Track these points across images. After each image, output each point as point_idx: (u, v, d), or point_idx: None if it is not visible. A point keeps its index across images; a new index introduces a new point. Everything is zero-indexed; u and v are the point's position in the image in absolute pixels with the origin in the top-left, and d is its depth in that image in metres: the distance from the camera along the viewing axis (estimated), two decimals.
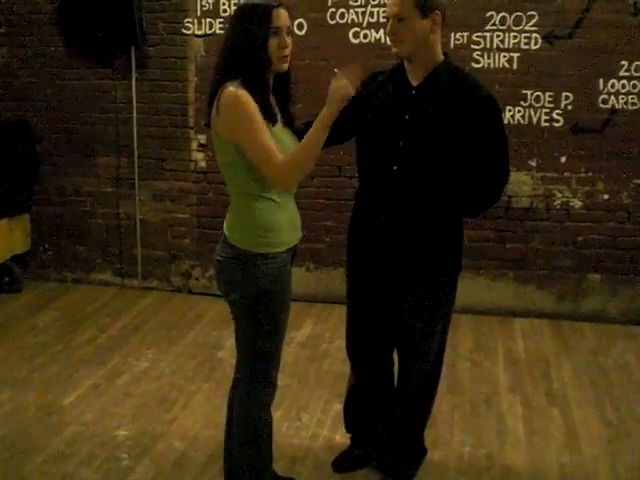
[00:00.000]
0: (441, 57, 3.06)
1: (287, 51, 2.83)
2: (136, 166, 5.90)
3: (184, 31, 5.62)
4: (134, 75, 5.73)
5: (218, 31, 5.52)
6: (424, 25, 2.94)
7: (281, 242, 2.93)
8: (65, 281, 6.24)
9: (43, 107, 6.00)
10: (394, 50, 3.03)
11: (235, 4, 5.44)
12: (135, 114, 5.80)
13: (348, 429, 3.71)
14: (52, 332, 5.19)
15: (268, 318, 2.96)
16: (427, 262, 3.15)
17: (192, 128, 5.79)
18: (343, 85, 2.78)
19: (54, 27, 5.78)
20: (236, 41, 2.79)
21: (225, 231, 2.98)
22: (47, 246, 6.25)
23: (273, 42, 2.78)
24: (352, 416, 3.67)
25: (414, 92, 3.06)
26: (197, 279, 6.02)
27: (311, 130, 2.80)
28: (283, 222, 2.93)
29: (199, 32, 5.60)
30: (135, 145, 5.86)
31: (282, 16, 2.81)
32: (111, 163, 5.99)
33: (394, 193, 3.07)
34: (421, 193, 3.05)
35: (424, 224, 3.10)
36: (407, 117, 3.04)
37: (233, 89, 2.74)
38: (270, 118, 2.81)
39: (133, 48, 5.64)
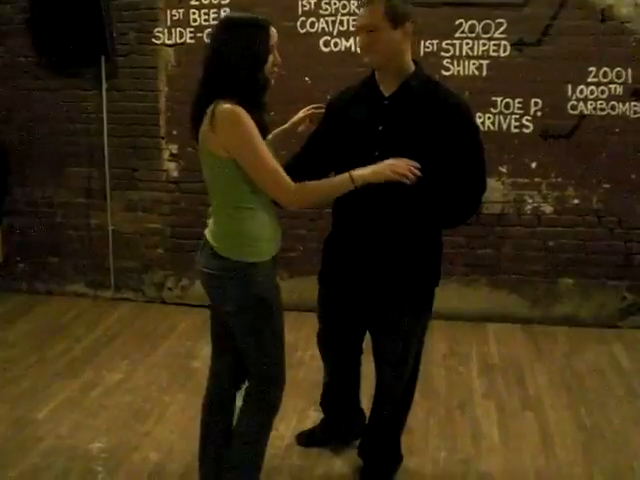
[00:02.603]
0: (412, 66, 3.07)
1: (277, 68, 2.86)
2: (107, 177, 5.87)
3: (154, 41, 5.60)
4: (104, 85, 5.70)
5: (188, 40, 5.52)
6: (395, 36, 2.95)
7: (268, 251, 2.97)
8: (37, 293, 6.19)
9: (13, 118, 5.95)
10: (366, 59, 3.03)
11: (205, 14, 5.45)
12: (106, 124, 5.77)
13: (323, 409, 3.88)
14: (25, 345, 5.14)
15: (268, 323, 2.99)
16: (407, 275, 3.17)
17: (163, 138, 5.77)
18: (398, 165, 2.83)
19: (23, 38, 5.72)
20: (236, 59, 2.75)
21: (212, 243, 2.95)
22: (19, 258, 6.19)
23: (270, 60, 2.80)
24: (326, 400, 3.84)
25: (386, 102, 3.06)
26: (170, 289, 6.00)
27: (339, 178, 2.88)
28: (270, 231, 2.96)
29: (169, 42, 5.59)
30: (106, 156, 5.83)
31: (275, 33, 2.82)
32: (82, 174, 5.95)
33: (373, 206, 3.08)
34: (399, 205, 3.05)
35: (404, 237, 3.11)
36: (381, 128, 3.04)
37: (231, 106, 2.71)
38: (264, 135, 2.81)
39: (103, 58, 5.61)
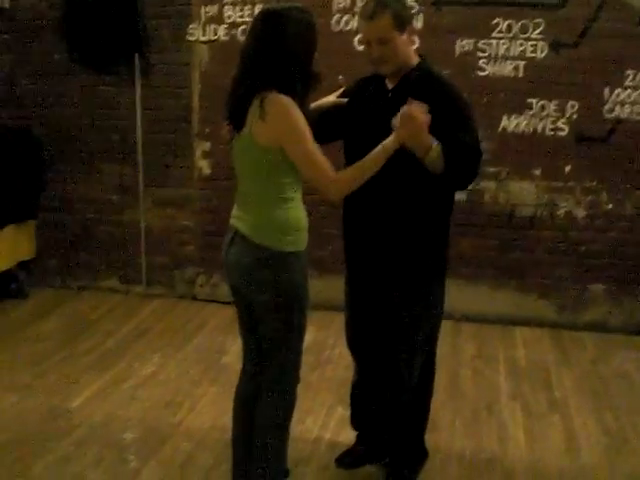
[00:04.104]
0: (414, 60, 3.15)
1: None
2: (140, 173, 5.92)
3: (188, 37, 5.63)
4: (138, 82, 5.75)
5: (222, 37, 5.55)
6: (404, 40, 3.05)
7: (305, 240, 3.00)
8: (70, 288, 6.25)
9: (47, 115, 6.01)
10: (383, 70, 3.12)
11: (240, 10, 5.48)
12: (139, 121, 5.83)
13: (353, 425, 3.78)
14: (57, 338, 5.20)
15: (300, 313, 3.00)
16: (410, 261, 3.20)
17: (196, 135, 5.81)
18: (416, 116, 2.87)
19: (57, 34, 5.77)
20: (293, 54, 2.79)
21: (247, 232, 2.93)
22: (52, 253, 6.26)
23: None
24: (356, 410, 3.74)
25: (390, 95, 3.15)
26: (201, 286, 6.04)
27: (372, 153, 2.92)
28: (305, 220, 2.99)
29: (203, 38, 5.61)
30: (139, 152, 5.89)
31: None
32: (115, 170, 6.01)
33: (377, 194, 3.12)
34: (402, 194, 3.11)
35: (408, 224, 3.16)
36: (383, 120, 3.09)
37: (285, 98, 2.75)
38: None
39: (137, 55, 5.66)
